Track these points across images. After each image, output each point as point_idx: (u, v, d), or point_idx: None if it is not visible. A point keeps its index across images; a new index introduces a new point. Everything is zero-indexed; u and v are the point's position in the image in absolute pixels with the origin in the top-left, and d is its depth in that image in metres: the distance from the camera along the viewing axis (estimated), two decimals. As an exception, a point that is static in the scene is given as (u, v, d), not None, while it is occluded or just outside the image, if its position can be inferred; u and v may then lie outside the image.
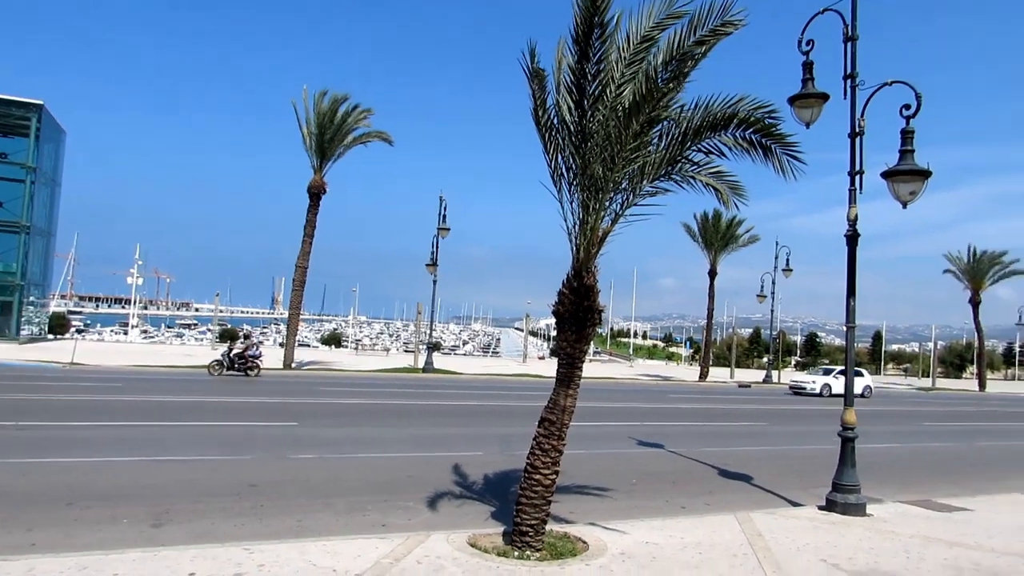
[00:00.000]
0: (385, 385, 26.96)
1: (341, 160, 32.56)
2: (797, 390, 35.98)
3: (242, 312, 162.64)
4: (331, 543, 6.35)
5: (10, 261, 40.45)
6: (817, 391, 34.95)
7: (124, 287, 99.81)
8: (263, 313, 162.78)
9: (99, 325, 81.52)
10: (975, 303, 54.06)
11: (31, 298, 42.31)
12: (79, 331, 64.80)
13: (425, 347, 38.41)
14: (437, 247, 36.52)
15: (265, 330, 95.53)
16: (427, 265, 36.86)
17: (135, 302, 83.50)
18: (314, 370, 32.54)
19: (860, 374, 34.80)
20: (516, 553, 6.29)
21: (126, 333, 71.34)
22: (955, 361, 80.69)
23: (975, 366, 60.49)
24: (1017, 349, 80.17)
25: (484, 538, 6.72)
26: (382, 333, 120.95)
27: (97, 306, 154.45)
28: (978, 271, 53.38)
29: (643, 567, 6.11)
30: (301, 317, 38.42)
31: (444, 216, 35.70)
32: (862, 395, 33.71)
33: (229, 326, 70.34)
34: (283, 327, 57.02)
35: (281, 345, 34.32)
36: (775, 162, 6.64)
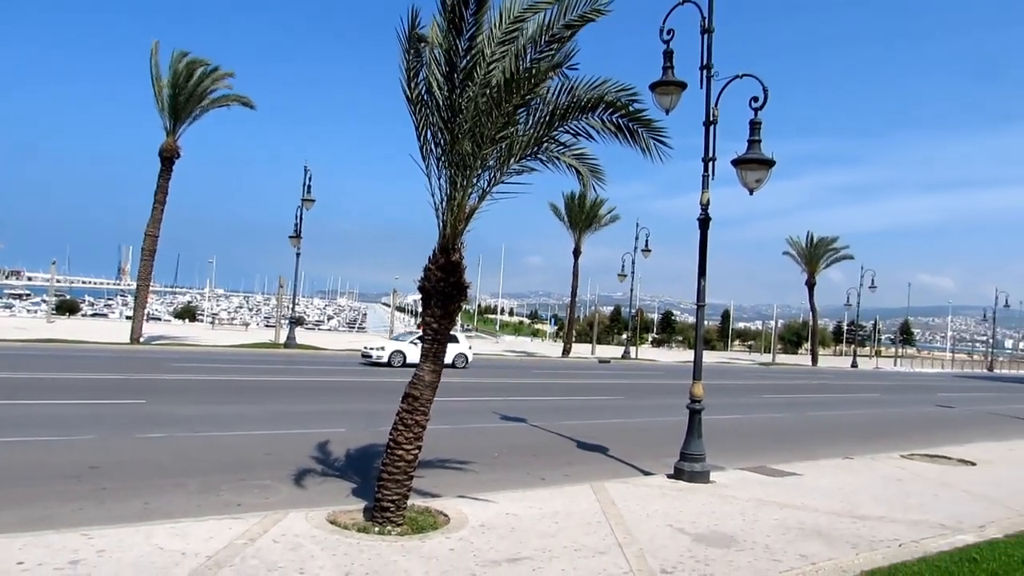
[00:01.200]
0: (244, 361, 25.90)
1: (200, 124, 30.81)
2: (366, 356, 28.32)
3: (83, 282, 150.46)
4: (180, 525, 6.06)
5: None
6: (385, 360, 27.43)
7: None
8: (108, 284, 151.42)
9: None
10: (811, 285, 59.00)
11: None
12: None
13: (287, 322, 37.19)
14: (301, 218, 35.39)
15: (110, 302, 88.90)
16: (290, 237, 35.62)
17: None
18: (166, 345, 30.72)
19: (455, 339, 28.33)
20: (377, 529, 6.27)
21: (-61, 304, 64.27)
22: (793, 338, 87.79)
23: (809, 343, 66.06)
24: (845, 327, 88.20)
25: (344, 515, 6.65)
26: (241, 307, 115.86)
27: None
28: (814, 255, 58.23)
29: (502, 538, 6.27)
30: (151, 289, 36.13)
31: (309, 187, 34.60)
32: (452, 364, 27.76)
33: (68, 297, 65.01)
34: (130, 299, 53.37)
35: (128, 318, 32.10)
36: (642, 144, 6.90)
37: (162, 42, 29.47)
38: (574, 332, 50.35)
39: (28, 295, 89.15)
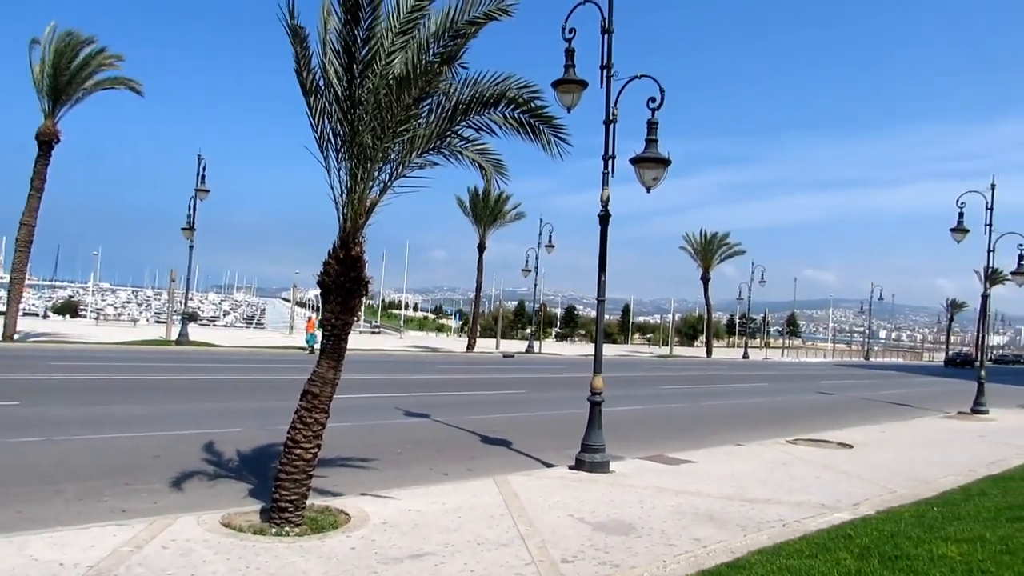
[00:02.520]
0: (132, 359, 24.58)
1: (83, 109, 29.10)
2: None
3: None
4: (58, 534, 5.69)
5: None
6: None
7: None
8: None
9: None
10: (705, 280, 61.46)
11: None
12: None
13: (180, 317, 35.57)
14: (195, 209, 33.97)
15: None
16: (183, 229, 34.10)
17: None
18: (43, 342, 28.78)
19: None
20: (274, 530, 6.09)
21: None
22: (689, 331, 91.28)
23: (705, 336, 68.82)
24: (737, 320, 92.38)
25: (240, 517, 6.42)
26: (129, 302, 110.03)
27: None
28: (708, 251, 60.67)
29: (404, 534, 6.22)
30: (27, 282, 33.74)
31: (203, 176, 33.23)
32: None
33: (-71, 291, 59.84)
34: (3, 293, 49.64)
35: (0, 314, 29.87)
36: (543, 141, 6.98)
37: (42, 22, 27.57)
38: (479, 327, 50.53)
39: None
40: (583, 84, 9.56)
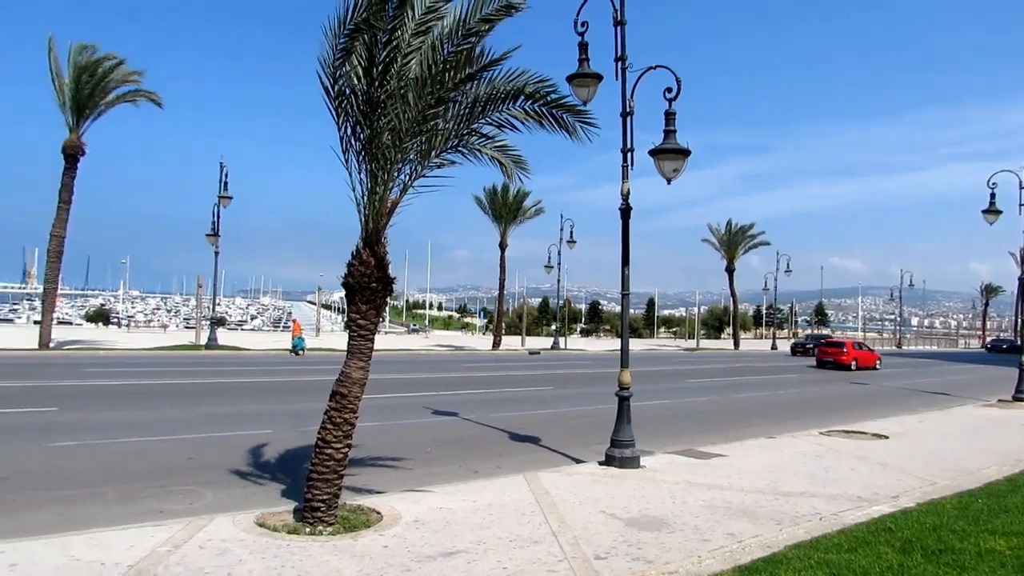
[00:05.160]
0: (163, 364, 24.94)
1: (106, 121, 29.49)
2: None
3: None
4: (99, 535, 5.80)
5: None
6: None
7: None
8: (13, 288, 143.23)
9: None
10: (730, 271, 60.85)
11: None
12: None
13: (208, 322, 36.00)
14: (219, 216, 34.29)
15: (16, 306, 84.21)
16: (208, 235, 34.45)
17: None
18: (78, 350, 29.29)
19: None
20: (308, 529, 6.15)
21: None
22: (715, 323, 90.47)
23: (731, 327, 68.21)
24: (764, 311, 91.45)
25: (273, 517, 6.49)
26: (159, 309, 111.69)
27: None
28: (732, 242, 60.04)
29: (436, 532, 6.24)
30: (60, 292, 34.40)
31: (226, 183, 33.54)
32: None
33: (-32, 303, 61.29)
34: (38, 303, 50.63)
35: (36, 323, 30.44)
36: (567, 129, 6.95)
37: (62, 36, 28.14)
38: (503, 325, 50.52)
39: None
40: (598, 77, 9.50)
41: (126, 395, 16.40)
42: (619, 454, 9.43)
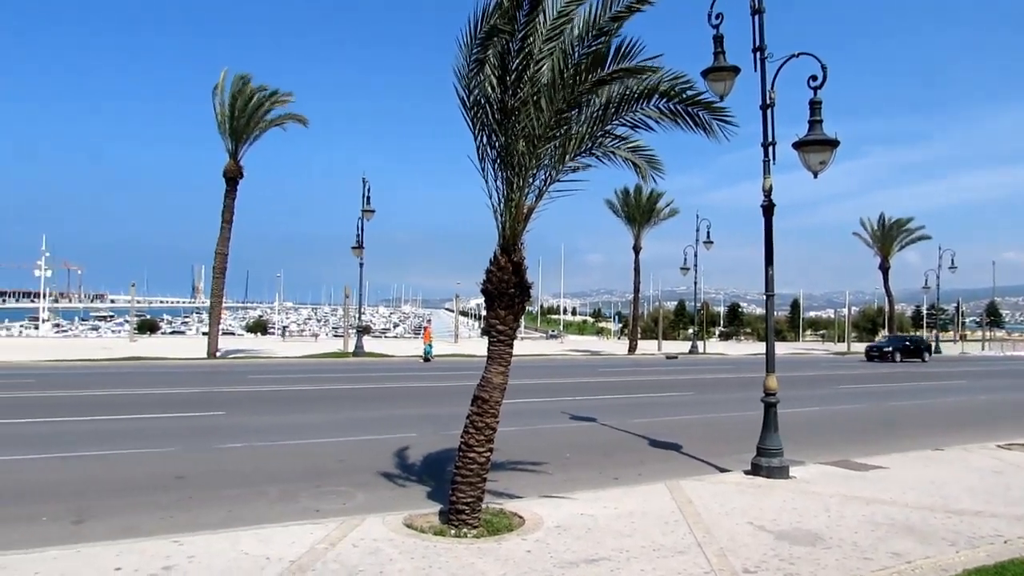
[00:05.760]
0: (315, 371, 26.49)
1: (260, 144, 31.87)
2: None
3: (161, 302, 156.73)
4: (263, 531, 6.22)
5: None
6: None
7: (32, 280, 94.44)
8: (183, 302, 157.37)
9: (7, 320, 77.07)
10: (885, 269, 56.86)
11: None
12: (-17, 328, 61.46)
13: (355, 331, 37.90)
14: (362, 229, 36.06)
15: (187, 319, 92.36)
16: (353, 248, 36.30)
17: (45, 295, 79.52)
18: (240, 358, 31.69)
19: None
20: (453, 531, 6.29)
21: (37, 328, 67.91)
22: (868, 325, 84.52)
23: (886, 329, 63.64)
24: (924, 311, 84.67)
25: (420, 518, 6.70)
26: (310, 319, 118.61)
27: (3, 300, 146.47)
28: (887, 237, 56.09)
29: (578, 538, 6.21)
30: (224, 305, 37.44)
31: (368, 198, 35.27)
32: None
33: (148, 317, 67.79)
34: (205, 316, 55.26)
35: (204, 334, 33.28)
36: (704, 127, 6.75)
37: (217, 59, 30.76)
38: (639, 329, 49.80)
39: (112, 316, 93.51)
40: (735, 70, 9.15)
41: (283, 400, 17.53)
42: (766, 463, 9.00)
